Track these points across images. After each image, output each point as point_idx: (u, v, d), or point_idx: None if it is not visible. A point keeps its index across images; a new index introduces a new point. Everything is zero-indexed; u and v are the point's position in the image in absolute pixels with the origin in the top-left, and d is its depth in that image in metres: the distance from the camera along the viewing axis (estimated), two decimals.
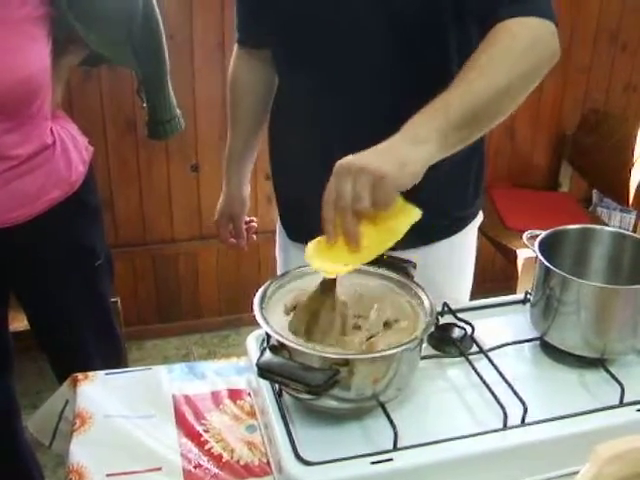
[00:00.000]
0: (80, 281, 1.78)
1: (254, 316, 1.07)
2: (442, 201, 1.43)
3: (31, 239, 1.63)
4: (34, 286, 1.75)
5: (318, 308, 1.06)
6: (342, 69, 1.37)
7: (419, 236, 1.45)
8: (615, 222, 3.38)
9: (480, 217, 1.58)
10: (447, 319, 1.27)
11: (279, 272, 1.72)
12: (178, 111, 2.00)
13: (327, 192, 1.05)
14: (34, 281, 1.74)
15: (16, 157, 1.54)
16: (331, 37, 1.35)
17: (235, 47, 1.67)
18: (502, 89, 1.12)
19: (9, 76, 1.46)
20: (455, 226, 1.51)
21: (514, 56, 1.13)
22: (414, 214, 1.08)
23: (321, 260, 1.05)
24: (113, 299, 2.63)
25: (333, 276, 1.06)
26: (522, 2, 1.18)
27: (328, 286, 1.07)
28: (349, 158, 1.05)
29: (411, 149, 1.06)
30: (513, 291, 2.64)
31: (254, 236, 1.88)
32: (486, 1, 1.20)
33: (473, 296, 1.52)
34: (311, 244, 1.08)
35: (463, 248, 1.55)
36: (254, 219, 1.87)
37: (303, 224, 1.60)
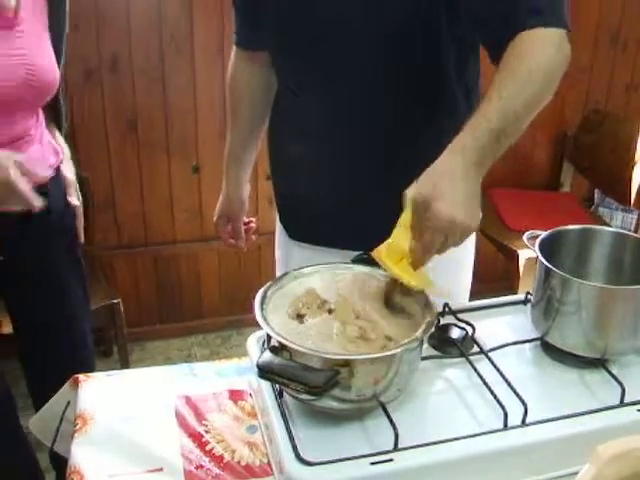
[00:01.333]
0: (71, 250, 1.89)
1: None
2: None
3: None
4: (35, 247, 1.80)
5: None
6: (339, 70, 1.38)
7: None
8: (617, 222, 3.38)
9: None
10: (448, 319, 1.27)
11: (278, 270, 1.73)
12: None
13: (419, 232, 1.11)
14: (39, 239, 1.80)
15: (29, 134, 1.69)
16: (327, 38, 1.36)
17: (233, 49, 1.68)
18: (530, 104, 1.15)
19: (51, 76, 1.65)
20: None
21: (539, 69, 1.16)
22: (428, 283, 1.15)
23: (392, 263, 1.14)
24: (115, 300, 2.65)
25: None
26: (542, 13, 1.20)
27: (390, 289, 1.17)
28: (443, 205, 1.07)
29: (477, 189, 1.12)
30: (514, 291, 2.64)
31: (253, 237, 1.89)
32: (503, 12, 1.22)
33: (474, 296, 1.51)
34: (379, 250, 1.15)
35: (462, 247, 1.55)
36: (253, 220, 1.87)
37: (301, 223, 1.61)
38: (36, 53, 1.61)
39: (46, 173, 1.56)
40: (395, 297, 1.16)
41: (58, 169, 1.81)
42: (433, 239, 1.09)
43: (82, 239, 1.93)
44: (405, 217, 1.13)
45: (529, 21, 1.18)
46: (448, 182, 1.08)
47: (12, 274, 1.78)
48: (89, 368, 1.95)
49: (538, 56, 1.17)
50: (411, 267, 1.13)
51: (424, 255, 1.11)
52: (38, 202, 1.48)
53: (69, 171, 1.89)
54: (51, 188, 1.76)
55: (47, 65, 1.64)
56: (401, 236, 1.13)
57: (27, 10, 1.60)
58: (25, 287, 1.83)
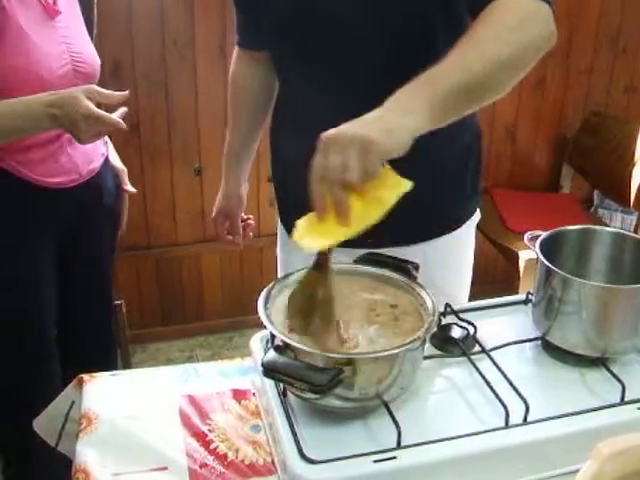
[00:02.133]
0: (113, 234, 2.02)
1: (258, 318, 1.08)
2: (439, 199, 1.44)
3: (96, 191, 1.83)
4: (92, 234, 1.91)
5: (314, 289, 1.08)
6: (340, 68, 1.39)
7: (417, 233, 1.46)
8: (616, 223, 3.39)
9: (478, 215, 1.59)
10: (449, 319, 1.28)
11: (280, 271, 1.74)
12: None
13: (315, 166, 1.01)
14: (96, 235, 1.92)
15: None
16: (328, 36, 1.36)
17: (235, 49, 1.70)
18: (493, 63, 1.09)
19: (94, 62, 1.74)
20: (453, 223, 1.52)
21: (505, 29, 1.11)
22: (404, 185, 1.04)
23: (311, 237, 1.02)
24: (117, 301, 2.67)
25: (325, 250, 1.04)
26: None
27: (322, 263, 1.07)
28: (334, 130, 1.02)
29: (398, 118, 1.03)
30: (514, 292, 2.64)
31: (251, 234, 1.91)
32: None
33: (475, 297, 1.52)
34: (300, 222, 1.05)
35: (461, 245, 1.56)
36: (251, 217, 1.90)
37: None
38: (77, 41, 1.68)
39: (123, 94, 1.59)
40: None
41: (107, 157, 1.89)
42: (327, 161, 1.00)
43: (124, 226, 2.06)
44: None
45: None
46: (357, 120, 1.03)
47: (69, 257, 1.84)
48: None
49: (502, 26, 1.11)
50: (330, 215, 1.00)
51: (332, 190, 0.99)
52: (122, 124, 1.56)
53: (117, 160, 2.00)
54: (104, 176, 1.85)
55: (90, 51, 1.73)
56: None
57: (66, 4, 1.67)
58: (77, 271, 1.90)
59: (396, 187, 1.03)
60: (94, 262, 1.94)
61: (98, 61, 1.76)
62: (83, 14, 1.76)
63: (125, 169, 2.01)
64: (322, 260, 1.08)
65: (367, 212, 1.00)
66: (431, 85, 1.06)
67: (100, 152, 1.84)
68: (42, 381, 1.84)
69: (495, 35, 1.11)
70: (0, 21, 1.49)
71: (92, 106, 1.49)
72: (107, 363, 1.99)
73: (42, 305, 1.79)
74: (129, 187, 2.00)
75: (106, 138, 1.91)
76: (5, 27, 1.50)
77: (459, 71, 1.07)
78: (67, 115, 1.48)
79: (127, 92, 1.59)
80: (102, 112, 1.50)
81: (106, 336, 2.07)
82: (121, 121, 1.54)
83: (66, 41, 1.64)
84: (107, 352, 2.07)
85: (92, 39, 1.80)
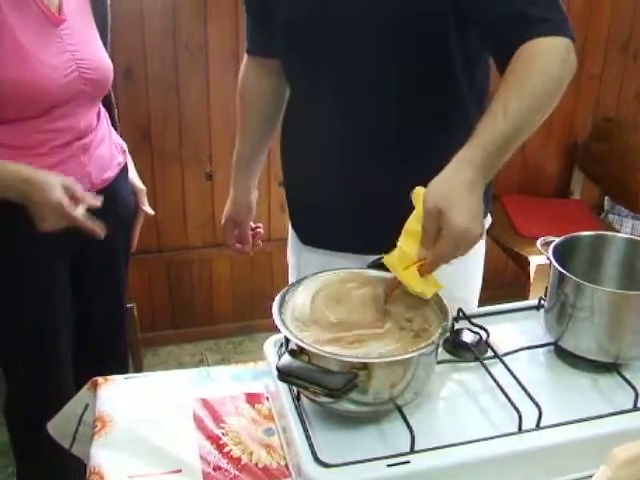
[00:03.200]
0: (125, 243, 1.99)
1: (268, 322, 1.09)
2: None
3: (112, 199, 1.79)
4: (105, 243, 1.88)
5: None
6: (349, 75, 1.40)
7: None
8: (627, 229, 3.38)
9: (488, 220, 1.59)
10: (462, 324, 1.29)
11: (290, 275, 1.75)
12: None
13: (431, 240, 1.12)
14: (109, 243, 1.86)
15: (94, 129, 1.75)
16: (337, 43, 1.38)
17: (245, 56, 1.71)
18: (536, 116, 1.17)
19: (104, 69, 1.72)
20: None
21: (547, 79, 1.17)
22: (437, 286, 1.17)
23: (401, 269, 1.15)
24: (129, 305, 2.68)
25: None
26: (544, 22, 1.21)
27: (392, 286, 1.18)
28: (457, 216, 1.09)
29: (479, 196, 1.13)
30: (524, 298, 2.63)
31: (260, 242, 1.91)
32: (508, 22, 1.23)
33: (484, 302, 1.53)
34: (392, 255, 1.16)
35: (471, 251, 1.56)
36: (260, 225, 1.89)
37: (314, 227, 1.62)
38: (85, 48, 1.66)
39: (96, 202, 1.59)
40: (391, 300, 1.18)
41: (125, 167, 1.88)
42: (447, 248, 1.10)
43: (135, 242, 2.03)
44: (411, 223, 1.14)
45: (533, 31, 1.20)
46: (458, 192, 1.10)
47: (81, 264, 1.84)
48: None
49: (543, 67, 1.18)
50: (418, 273, 1.14)
51: (436, 264, 1.13)
52: (98, 229, 1.55)
53: (136, 178, 1.99)
54: (119, 186, 1.84)
55: (98, 59, 1.70)
56: (409, 243, 1.14)
57: (71, 7, 1.65)
58: (90, 283, 1.90)
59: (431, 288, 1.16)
60: (106, 269, 1.93)
61: (109, 67, 1.75)
62: (96, 20, 1.75)
63: (144, 189, 1.99)
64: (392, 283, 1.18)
65: (426, 283, 1.15)
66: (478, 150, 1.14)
67: (116, 161, 1.83)
68: (55, 385, 1.85)
69: (538, 85, 1.17)
70: None
71: (65, 200, 1.49)
72: (120, 368, 1.99)
73: (55, 309, 1.79)
74: (147, 208, 1.98)
75: (124, 147, 1.91)
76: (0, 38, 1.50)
77: (507, 132, 1.14)
78: (35, 198, 1.49)
79: (99, 203, 1.60)
80: (73, 212, 1.50)
81: (119, 341, 2.07)
82: (96, 228, 1.55)
83: (72, 49, 1.63)
84: (120, 357, 2.07)
85: (106, 45, 1.80)
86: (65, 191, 1.50)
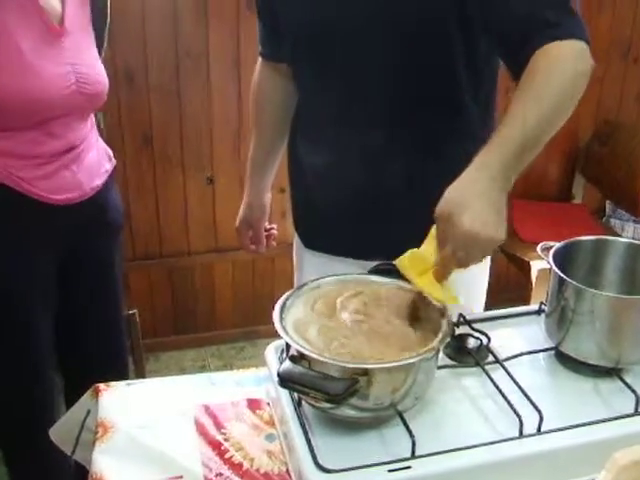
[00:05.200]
0: (119, 250, 2.00)
1: (270, 328, 1.09)
2: None
3: (98, 208, 1.82)
4: (94, 250, 1.89)
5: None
6: (356, 81, 1.40)
7: None
8: (628, 233, 3.38)
9: None
10: (463, 330, 1.29)
11: (295, 277, 1.75)
12: None
13: (442, 244, 1.12)
14: (101, 248, 1.91)
15: (85, 138, 1.75)
16: (345, 49, 1.38)
17: (259, 59, 1.72)
18: (553, 120, 1.17)
19: (101, 83, 1.72)
20: None
21: (565, 84, 1.18)
22: (453, 300, 1.15)
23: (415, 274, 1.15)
24: (130, 311, 2.68)
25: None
26: (559, 25, 1.21)
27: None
28: (465, 218, 1.08)
29: (497, 201, 1.12)
30: (527, 302, 2.65)
31: (274, 243, 1.92)
32: (523, 27, 1.23)
33: (487, 307, 1.53)
34: (404, 257, 1.15)
35: None
36: (274, 226, 1.91)
37: (317, 232, 1.62)
38: (85, 61, 1.67)
39: None
40: (420, 310, 1.17)
41: (112, 173, 1.88)
42: (454, 251, 1.10)
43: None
44: (434, 227, 1.14)
45: (549, 35, 1.19)
46: (474, 196, 1.10)
47: (71, 273, 1.84)
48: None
49: (561, 71, 1.17)
50: (434, 280, 1.13)
51: (444, 268, 1.12)
52: None
53: None
54: (107, 192, 1.84)
55: (96, 73, 1.71)
56: (430, 247, 1.14)
57: (73, 21, 1.65)
58: (80, 286, 1.89)
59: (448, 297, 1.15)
60: (100, 279, 1.93)
61: (105, 81, 1.75)
62: (94, 27, 1.75)
63: None
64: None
65: (444, 291, 1.14)
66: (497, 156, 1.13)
67: (104, 169, 1.83)
68: (39, 394, 1.86)
69: (555, 88, 1.16)
70: None
71: None
72: (116, 375, 1.97)
73: (38, 316, 1.79)
74: None
75: (110, 153, 1.90)
76: (1, 49, 1.51)
77: (525, 136, 1.14)
78: None
79: None
80: None
81: (117, 350, 2.06)
82: None
83: (72, 61, 1.63)
84: (114, 365, 2.04)
85: (101, 53, 1.80)
86: None
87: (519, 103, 1.16)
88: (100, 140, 1.88)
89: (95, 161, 1.78)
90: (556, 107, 1.16)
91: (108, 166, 1.86)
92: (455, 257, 1.10)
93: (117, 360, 2.06)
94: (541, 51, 1.19)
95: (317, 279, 1.23)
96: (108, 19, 1.82)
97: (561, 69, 1.18)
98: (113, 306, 2.01)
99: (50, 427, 1.46)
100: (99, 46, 1.79)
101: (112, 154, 1.92)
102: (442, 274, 1.12)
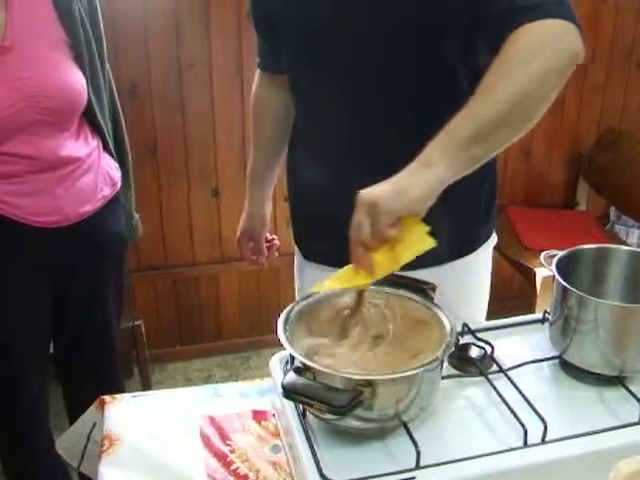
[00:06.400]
0: (117, 270, 1.99)
1: (275, 338, 1.09)
2: (451, 223, 1.44)
3: (92, 233, 1.80)
4: (90, 273, 1.89)
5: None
6: (352, 94, 1.40)
7: (430, 257, 1.47)
8: (633, 239, 3.38)
9: (494, 238, 1.59)
10: (467, 339, 1.29)
11: (297, 290, 1.76)
12: (136, 215, 2.11)
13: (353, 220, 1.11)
14: (93, 271, 1.89)
15: (77, 160, 1.71)
16: (341, 62, 1.38)
17: (257, 71, 1.73)
18: (517, 95, 1.10)
19: (65, 92, 1.64)
20: (466, 248, 1.52)
21: (528, 55, 1.11)
22: (427, 243, 1.13)
23: (340, 282, 1.15)
24: (136, 322, 2.69)
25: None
26: (539, 7, 1.14)
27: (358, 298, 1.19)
28: (362, 191, 1.10)
29: (416, 174, 1.09)
30: (531, 310, 2.65)
31: (276, 253, 1.92)
32: (503, 11, 1.17)
33: (491, 315, 1.53)
34: (339, 272, 1.16)
35: (476, 269, 1.56)
36: (275, 237, 1.91)
37: (315, 243, 1.62)
38: (38, 74, 1.58)
39: None
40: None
41: (115, 199, 1.86)
42: (357, 219, 1.10)
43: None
44: None
45: (522, 18, 1.13)
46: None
47: (64, 294, 1.85)
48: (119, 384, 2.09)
49: (532, 51, 1.11)
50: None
51: (355, 238, 1.11)
52: None
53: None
54: (101, 218, 1.81)
55: (57, 84, 1.61)
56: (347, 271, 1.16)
57: (21, 30, 1.58)
58: (73, 306, 1.90)
59: (419, 244, 1.12)
60: (90, 303, 1.92)
61: (75, 90, 1.66)
62: (66, 28, 1.65)
63: None
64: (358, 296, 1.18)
65: (384, 264, 1.12)
66: (447, 135, 1.11)
67: (101, 194, 1.80)
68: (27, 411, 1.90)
69: (517, 62, 1.11)
70: None
71: None
72: (110, 388, 1.95)
73: (28, 332, 1.81)
74: None
75: (116, 178, 1.87)
76: None
77: (471, 120, 1.10)
78: None
79: None
80: None
81: (107, 368, 2.06)
82: None
83: (19, 76, 1.55)
84: (111, 383, 2.05)
85: (102, 60, 1.78)
86: None
87: (480, 88, 1.12)
88: (106, 165, 1.84)
89: (90, 185, 1.75)
90: (524, 86, 1.10)
91: (107, 191, 1.82)
92: (362, 229, 1.09)
93: (111, 374, 2.07)
94: (518, 31, 1.13)
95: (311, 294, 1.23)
96: (99, 17, 1.78)
97: (533, 44, 1.11)
98: (106, 336, 2.01)
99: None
100: (100, 53, 1.77)
101: (119, 178, 1.89)
102: (358, 263, 1.12)
